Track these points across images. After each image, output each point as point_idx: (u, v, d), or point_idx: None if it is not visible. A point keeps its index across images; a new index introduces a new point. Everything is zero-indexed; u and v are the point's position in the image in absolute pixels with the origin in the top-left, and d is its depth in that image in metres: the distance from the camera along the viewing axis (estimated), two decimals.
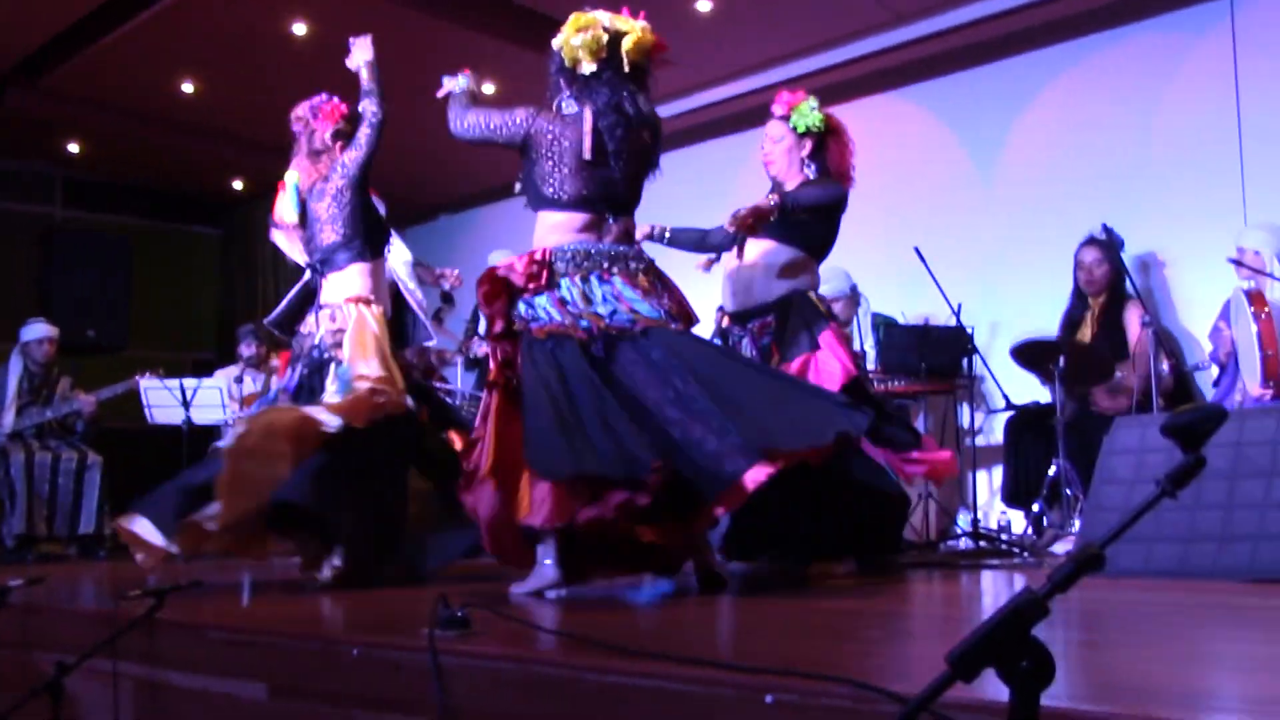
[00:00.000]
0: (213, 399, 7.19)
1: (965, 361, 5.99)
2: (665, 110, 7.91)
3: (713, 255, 4.82)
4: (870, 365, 6.01)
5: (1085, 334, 5.90)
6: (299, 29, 6.94)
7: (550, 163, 3.74)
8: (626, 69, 3.72)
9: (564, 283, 3.59)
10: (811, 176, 4.52)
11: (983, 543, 5.42)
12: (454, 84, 4.14)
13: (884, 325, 6.31)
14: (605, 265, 3.64)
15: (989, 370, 6.01)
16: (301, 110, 4.72)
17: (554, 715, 2.05)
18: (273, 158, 9.16)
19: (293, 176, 4.63)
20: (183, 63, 7.52)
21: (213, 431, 7.62)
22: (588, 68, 3.69)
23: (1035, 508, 5.55)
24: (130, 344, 8.69)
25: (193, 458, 7.29)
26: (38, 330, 7.15)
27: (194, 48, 7.26)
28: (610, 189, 3.73)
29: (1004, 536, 5.71)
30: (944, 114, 7.23)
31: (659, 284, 3.74)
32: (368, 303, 4.44)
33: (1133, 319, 5.68)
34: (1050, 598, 1.13)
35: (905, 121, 7.39)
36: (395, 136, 8.60)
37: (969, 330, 5.91)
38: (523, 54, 7.20)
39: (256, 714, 2.66)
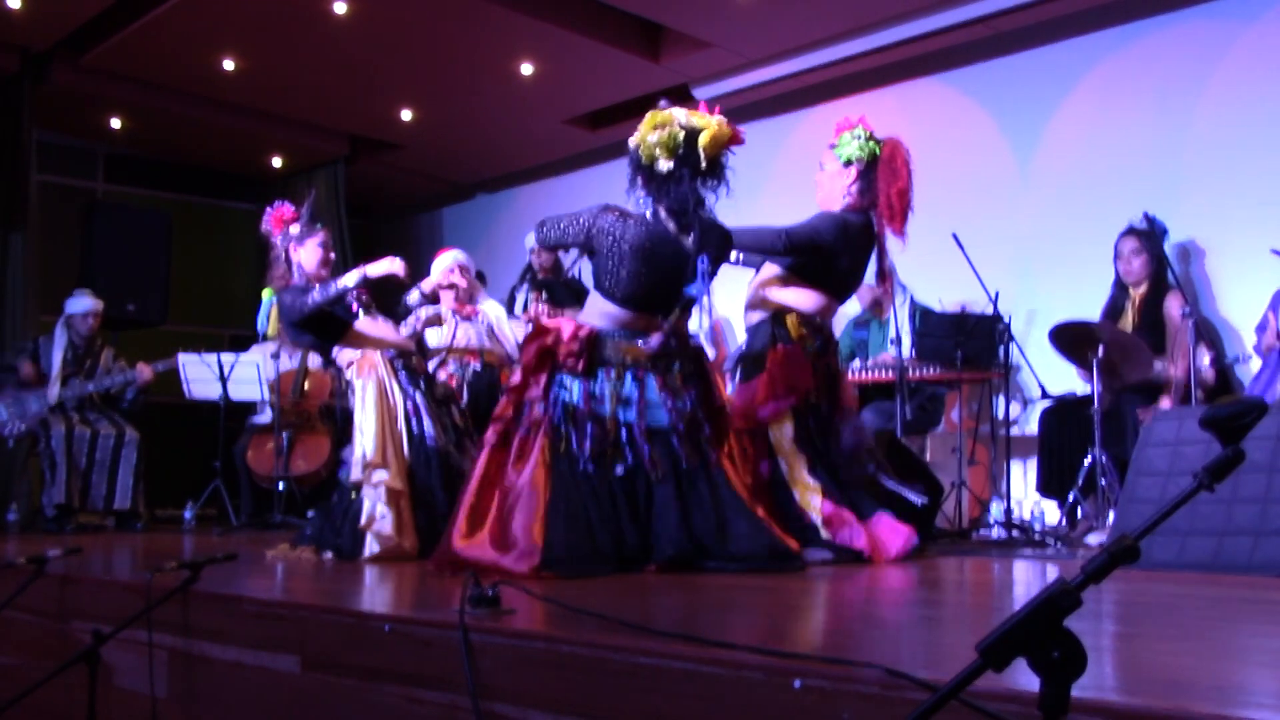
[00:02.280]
0: (250, 375, 7.25)
1: (1002, 350, 5.95)
2: (705, 92, 7.93)
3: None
4: (907, 354, 5.98)
5: (1126, 324, 5.84)
6: (339, 8, 6.95)
7: (610, 261, 3.80)
8: (704, 164, 3.76)
9: (600, 374, 3.79)
10: (851, 203, 4.45)
11: (1015, 532, 5.39)
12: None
13: (920, 312, 6.28)
14: (644, 365, 3.82)
15: (1026, 359, 5.97)
16: (264, 224, 4.89)
17: (582, 694, 2.06)
18: (312, 135, 9.27)
19: (268, 293, 4.84)
20: (224, 40, 7.56)
21: (249, 407, 7.69)
22: (664, 165, 3.73)
23: (1070, 498, 5.51)
24: (169, 318, 8.76)
25: (230, 432, 7.38)
26: (83, 304, 7.21)
27: (235, 25, 7.29)
28: (666, 291, 3.83)
29: (1037, 526, 5.67)
30: (984, 100, 7.17)
31: (694, 380, 3.91)
32: (363, 359, 4.61)
33: (1173, 309, 5.63)
34: (1083, 588, 1.12)
35: (945, 107, 7.33)
36: (435, 116, 8.68)
37: (1006, 319, 5.87)
38: (561, 33, 7.21)
39: (289, 686, 2.69)
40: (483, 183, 10.32)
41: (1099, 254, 6.08)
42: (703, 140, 3.73)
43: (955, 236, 5.80)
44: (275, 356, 7.44)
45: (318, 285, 4.56)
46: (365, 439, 4.43)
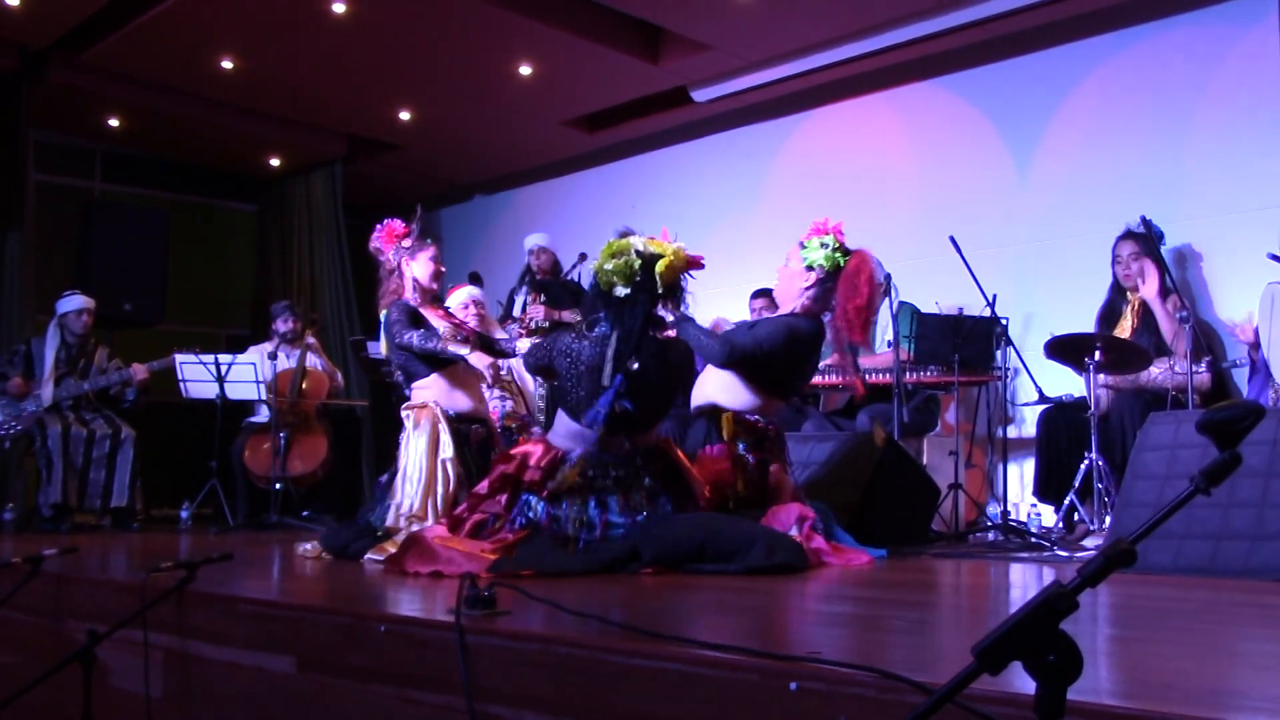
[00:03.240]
0: (247, 374, 7.23)
1: (999, 353, 5.96)
2: (704, 94, 7.94)
3: None
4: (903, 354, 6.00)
5: (1124, 328, 5.85)
6: (338, 8, 6.95)
7: (570, 382, 3.95)
8: (660, 289, 3.93)
9: (565, 500, 3.85)
10: (805, 306, 4.49)
11: (1012, 535, 5.39)
12: None
13: (914, 314, 6.27)
14: (609, 487, 3.88)
15: (1023, 362, 5.97)
16: (373, 241, 4.96)
17: (578, 696, 2.05)
18: (310, 136, 9.27)
19: (383, 314, 4.86)
20: (223, 40, 7.55)
21: (246, 407, 7.68)
22: (621, 291, 3.89)
23: (1066, 501, 5.52)
24: (166, 318, 8.75)
25: (226, 432, 7.37)
26: (75, 302, 7.20)
27: (234, 25, 7.29)
28: (626, 411, 3.88)
29: (1033, 529, 5.67)
30: (982, 104, 7.17)
31: (658, 490, 3.96)
32: (423, 408, 4.66)
33: (1170, 313, 5.63)
34: (1079, 592, 1.12)
35: (943, 110, 7.34)
36: (433, 117, 8.68)
37: (1003, 321, 5.87)
38: (560, 35, 7.21)
39: (284, 687, 2.68)
40: (481, 184, 10.32)
41: (1096, 258, 6.08)
42: (659, 267, 3.90)
43: (953, 239, 5.81)
44: (272, 357, 7.43)
45: (421, 332, 4.63)
46: (410, 489, 4.47)
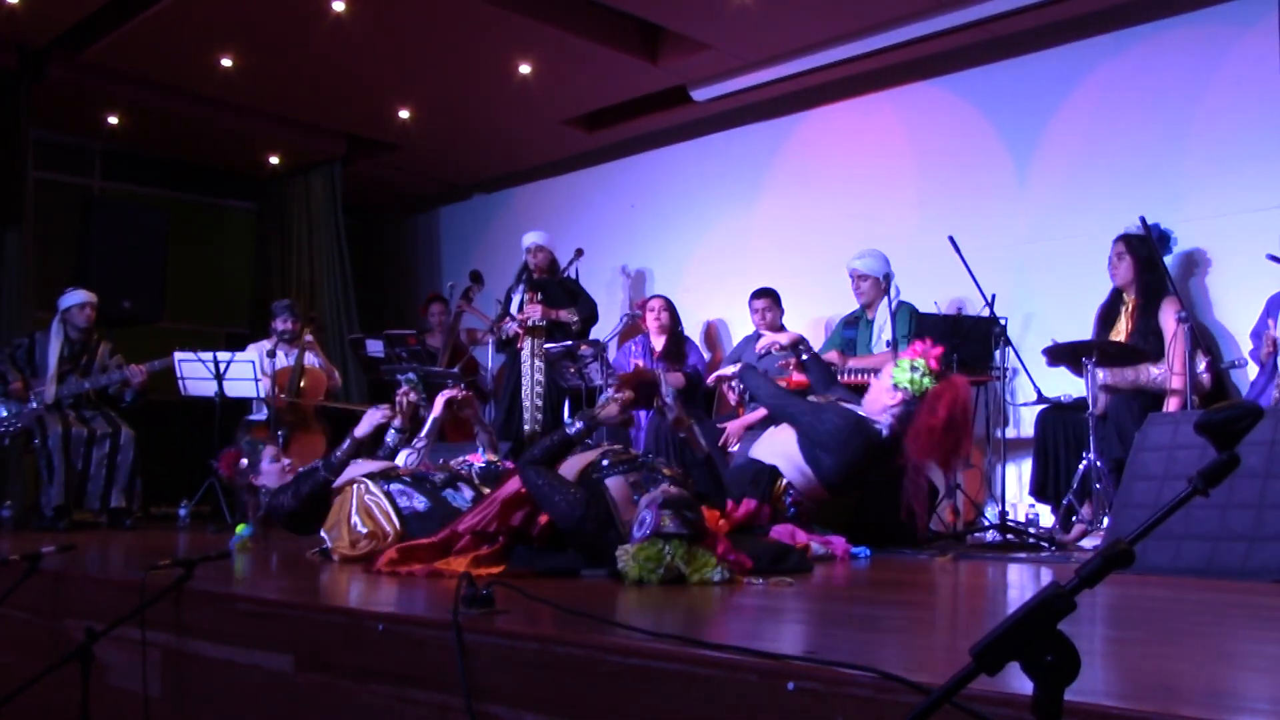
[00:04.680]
0: (245, 372, 7.23)
1: (998, 353, 5.96)
2: (703, 94, 7.94)
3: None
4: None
5: (1121, 329, 5.85)
6: (338, 6, 6.95)
7: (569, 538, 3.72)
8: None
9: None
10: (890, 425, 4.52)
11: (1010, 536, 5.39)
12: None
13: (913, 314, 6.28)
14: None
15: (1021, 363, 5.97)
16: (220, 470, 5.41)
17: (576, 695, 2.05)
18: (309, 135, 9.27)
19: (240, 527, 5.09)
20: (222, 38, 7.55)
21: (244, 405, 7.68)
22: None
23: (1064, 502, 5.52)
24: (165, 316, 8.74)
25: (225, 430, 7.36)
26: (78, 296, 7.17)
27: (234, 23, 7.28)
28: None
29: (1032, 530, 5.68)
30: (982, 104, 7.17)
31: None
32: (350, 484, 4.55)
33: (1169, 315, 5.63)
34: (1077, 592, 1.12)
35: (943, 111, 7.34)
36: (432, 116, 8.68)
37: (1002, 321, 5.88)
38: (559, 34, 7.21)
39: (281, 685, 2.68)
40: (480, 183, 10.32)
41: (1096, 258, 6.08)
42: (691, 578, 3.33)
43: (952, 239, 5.81)
44: (271, 355, 7.42)
45: (321, 462, 4.53)
46: (344, 520, 4.33)
